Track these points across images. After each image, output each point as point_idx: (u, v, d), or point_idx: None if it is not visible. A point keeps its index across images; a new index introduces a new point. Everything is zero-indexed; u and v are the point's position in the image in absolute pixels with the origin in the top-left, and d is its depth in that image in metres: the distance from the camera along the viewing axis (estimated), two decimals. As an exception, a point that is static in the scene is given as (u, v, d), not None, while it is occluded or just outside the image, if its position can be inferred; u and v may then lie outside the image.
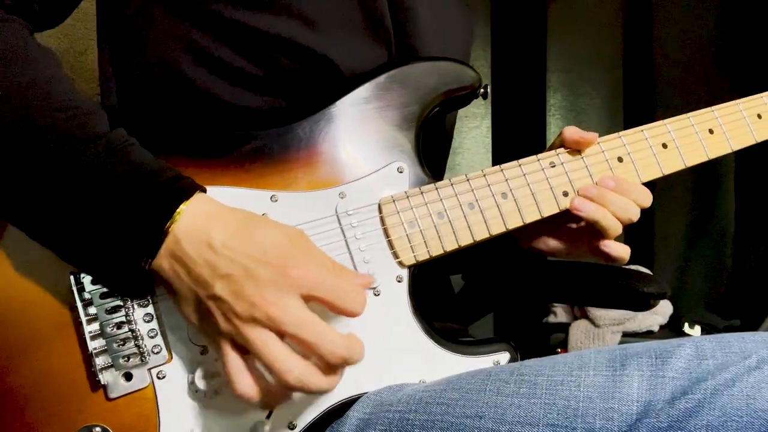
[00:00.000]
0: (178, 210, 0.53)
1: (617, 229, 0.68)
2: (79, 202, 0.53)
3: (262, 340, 0.52)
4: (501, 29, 1.87)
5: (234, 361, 0.53)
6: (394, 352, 0.62)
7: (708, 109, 0.75)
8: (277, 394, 0.54)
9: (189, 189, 0.54)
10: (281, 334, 0.52)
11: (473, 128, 1.84)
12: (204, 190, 0.56)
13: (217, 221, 0.54)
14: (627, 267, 1.16)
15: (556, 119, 1.91)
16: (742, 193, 1.90)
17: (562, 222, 0.73)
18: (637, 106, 1.91)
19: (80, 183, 0.52)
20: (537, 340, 1.74)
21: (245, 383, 0.53)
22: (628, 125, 1.97)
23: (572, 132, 0.70)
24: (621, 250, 0.70)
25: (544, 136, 1.89)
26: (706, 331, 1.73)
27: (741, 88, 1.87)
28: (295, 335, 0.51)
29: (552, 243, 0.75)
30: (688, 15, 1.91)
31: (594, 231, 0.69)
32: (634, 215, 0.69)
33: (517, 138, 1.86)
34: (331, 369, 0.53)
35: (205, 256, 0.52)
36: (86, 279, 0.57)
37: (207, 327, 0.54)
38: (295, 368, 0.51)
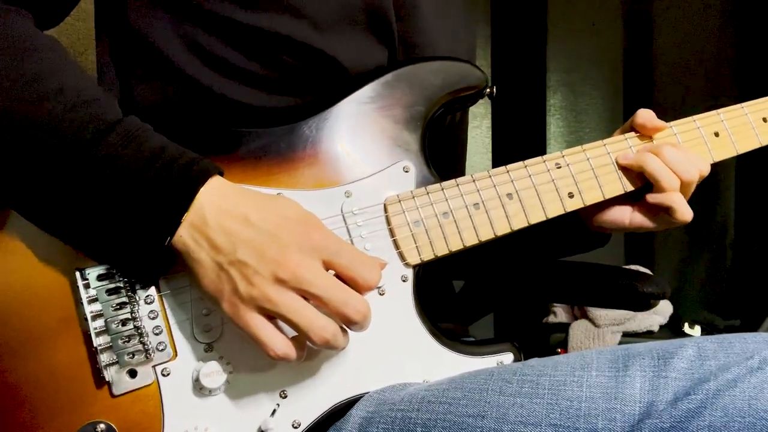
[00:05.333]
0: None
1: (671, 180, 0.68)
2: (99, 189, 0.52)
3: (290, 301, 0.52)
4: (501, 29, 1.87)
5: (263, 325, 0.53)
6: (398, 351, 0.62)
7: (713, 112, 0.75)
8: (304, 349, 0.56)
9: (211, 168, 0.55)
10: (305, 295, 0.53)
11: (473, 128, 1.84)
12: (221, 171, 0.57)
13: (237, 193, 0.55)
14: (627, 267, 1.16)
15: (556, 119, 1.91)
16: (742, 192, 1.90)
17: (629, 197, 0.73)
18: (637, 106, 1.91)
19: (100, 170, 0.52)
20: (537, 340, 1.74)
21: (282, 345, 0.53)
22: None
23: (644, 117, 0.72)
24: (671, 200, 0.69)
25: (544, 136, 1.89)
26: (706, 331, 1.74)
27: (742, 88, 1.87)
28: (321, 296, 0.52)
29: (618, 216, 0.74)
30: (689, 15, 1.92)
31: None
32: (692, 174, 0.68)
33: (517, 138, 1.86)
34: (350, 328, 0.55)
35: (226, 223, 0.53)
36: (91, 275, 0.56)
37: (227, 301, 0.54)
38: (329, 329, 0.53)
